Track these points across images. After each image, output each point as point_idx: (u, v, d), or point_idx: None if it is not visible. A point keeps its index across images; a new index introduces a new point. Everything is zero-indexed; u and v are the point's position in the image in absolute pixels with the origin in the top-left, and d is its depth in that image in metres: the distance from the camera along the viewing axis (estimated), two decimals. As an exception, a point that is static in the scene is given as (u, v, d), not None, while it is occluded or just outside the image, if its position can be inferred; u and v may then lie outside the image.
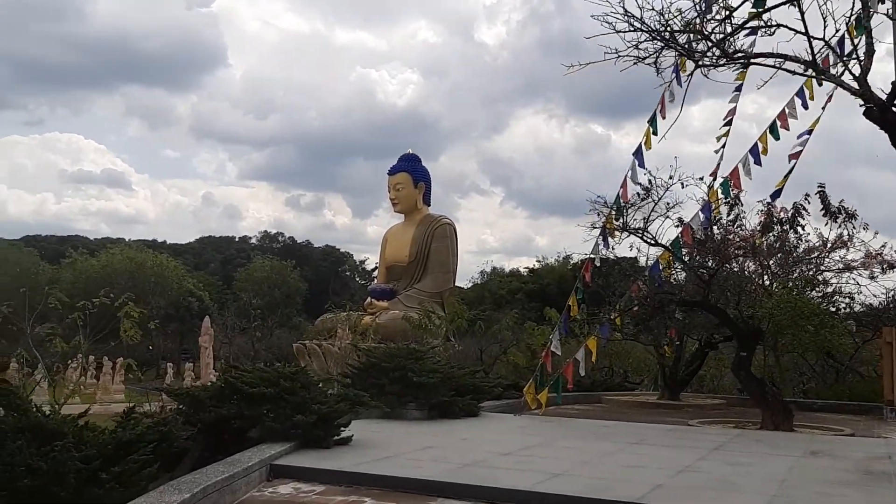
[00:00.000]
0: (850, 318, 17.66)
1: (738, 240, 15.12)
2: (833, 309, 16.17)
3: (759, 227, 15.77)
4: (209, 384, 10.27)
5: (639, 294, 14.20)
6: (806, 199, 17.02)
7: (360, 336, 20.14)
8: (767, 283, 15.80)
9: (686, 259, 14.58)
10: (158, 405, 9.99)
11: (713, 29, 8.14)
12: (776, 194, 15.65)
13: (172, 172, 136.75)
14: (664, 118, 13.90)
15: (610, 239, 13.63)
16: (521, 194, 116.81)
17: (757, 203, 15.88)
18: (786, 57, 7.72)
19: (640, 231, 13.04)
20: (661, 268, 14.08)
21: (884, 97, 7.52)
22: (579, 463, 8.10)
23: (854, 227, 16.48)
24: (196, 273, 58.81)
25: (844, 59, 8.35)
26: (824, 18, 7.53)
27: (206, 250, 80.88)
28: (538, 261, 62.91)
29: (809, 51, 7.57)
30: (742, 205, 15.71)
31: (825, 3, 7.60)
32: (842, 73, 8.18)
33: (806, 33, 7.48)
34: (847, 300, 17.15)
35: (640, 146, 14.15)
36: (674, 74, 13.35)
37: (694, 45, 8.37)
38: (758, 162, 14.37)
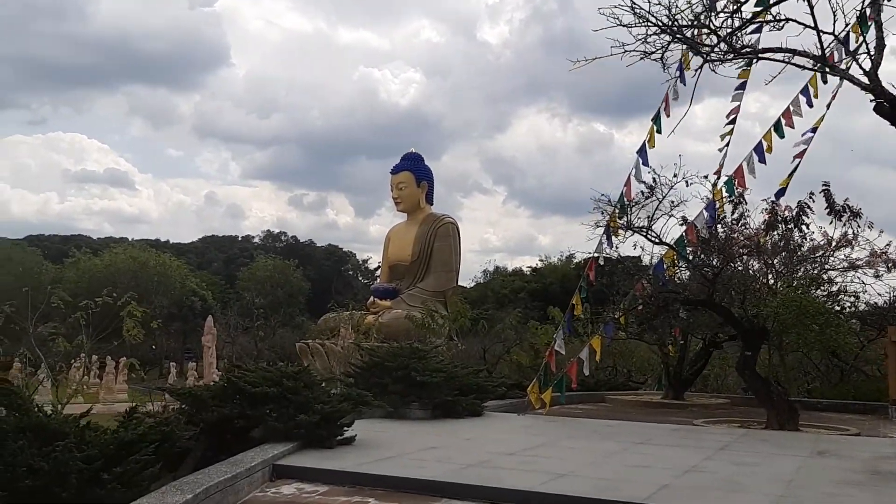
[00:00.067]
0: (854, 317, 17.59)
1: (742, 238, 15.06)
2: (838, 308, 16.11)
3: (763, 226, 15.70)
4: (212, 384, 10.23)
5: (643, 293, 14.14)
6: (810, 197, 16.94)
7: (363, 335, 20.11)
8: (772, 282, 15.72)
9: (690, 258, 14.51)
10: (161, 405, 9.96)
11: (722, 23, 8.07)
12: (780, 193, 15.56)
13: (175, 172, 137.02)
14: (668, 116, 13.83)
15: (614, 237, 13.59)
16: (524, 193, 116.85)
17: (761, 202, 15.82)
18: (794, 52, 7.65)
19: (645, 229, 12.99)
20: (665, 267, 14.02)
21: (894, 92, 7.43)
22: (584, 463, 8.05)
23: (859, 226, 16.40)
24: (199, 272, 58.90)
25: (853, 54, 8.27)
26: (834, 13, 7.46)
27: (209, 250, 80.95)
28: (541, 260, 62.90)
29: (819, 45, 7.49)
30: (746, 203, 15.66)
31: (834, -2, 7.54)
32: (848, 68, 8.10)
33: (815, 27, 7.41)
34: (852, 299, 17.09)
35: (643, 144, 14.09)
36: (678, 72, 13.33)
37: (702, 39, 8.30)
38: (762, 160, 14.29)
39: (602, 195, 13.26)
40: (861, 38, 9.48)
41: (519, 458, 8.25)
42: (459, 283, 27.43)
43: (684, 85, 13.64)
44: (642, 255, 16.03)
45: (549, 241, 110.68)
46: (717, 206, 14.17)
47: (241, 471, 6.50)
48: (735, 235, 15.13)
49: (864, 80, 7.52)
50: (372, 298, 24.18)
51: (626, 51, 8.12)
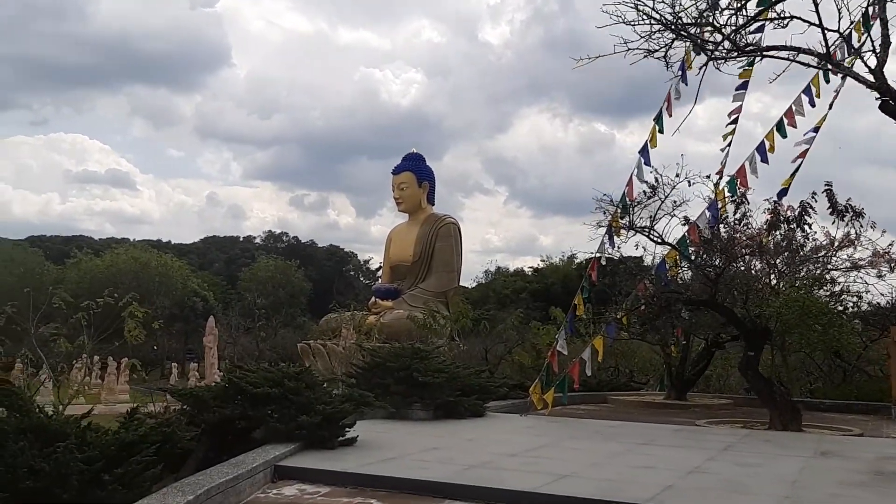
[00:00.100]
0: (856, 317, 17.55)
1: (744, 238, 15.02)
2: (841, 308, 16.07)
3: (765, 226, 15.66)
4: (213, 384, 10.21)
5: (645, 293, 14.11)
6: (813, 197, 16.90)
7: (365, 336, 20.08)
8: (774, 282, 15.69)
9: (693, 258, 14.48)
10: (162, 406, 9.94)
11: (727, 20, 8.03)
12: (783, 193, 15.54)
13: (177, 172, 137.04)
14: (671, 116, 13.80)
15: (616, 237, 13.56)
16: (525, 194, 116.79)
17: (763, 202, 15.79)
18: (799, 49, 7.61)
19: (647, 229, 12.96)
20: (667, 267, 13.99)
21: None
22: (587, 464, 8.02)
23: (861, 226, 16.36)
24: (200, 273, 58.92)
25: (858, 51, 8.23)
26: (839, 10, 7.41)
27: (211, 250, 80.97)
28: (542, 260, 62.88)
29: (823, 43, 7.46)
30: (748, 203, 15.63)
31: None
32: (852, 66, 8.06)
33: (820, 25, 7.37)
34: (855, 299, 17.05)
35: (645, 144, 14.05)
36: (680, 72, 13.30)
37: (706, 37, 8.27)
38: (765, 160, 14.26)
39: (604, 195, 13.23)
40: (864, 38, 9.46)
41: (521, 459, 8.22)
42: (461, 284, 27.38)
43: (686, 85, 13.67)
44: (644, 255, 16.03)
45: (551, 242, 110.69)
46: (720, 206, 14.15)
47: (242, 472, 6.48)
48: (737, 236, 15.09)
49: (870, 77, 7.47)
50: (373, 299, 24.14)
51: (629, 49, 8.10)
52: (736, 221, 15.56)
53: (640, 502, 6.04)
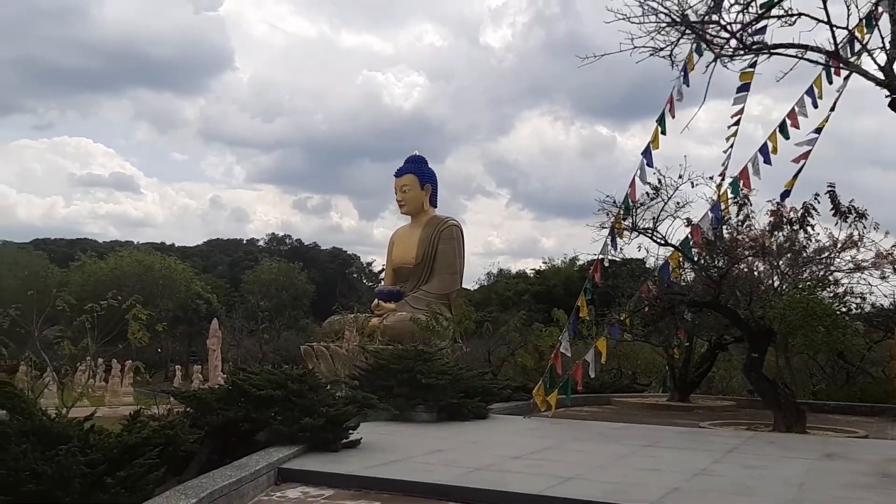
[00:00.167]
0: (860, 318, 17.49)
1: (747, 240, 14.98)
2: (844, 309, 16.01)
3: (768, 227, 15.62)
4: (217, 387, 10.20)
5: (648, 294, 14.08)
6: (816, 198, 16.85)
7: (368, 338, 20.08)
8: (777, 283, 15.64)
9: (696, 259, 14.45)
10: (166, 408, 9.94)
11: (735, 17, 7.99)
12: (785, 194, 15.51)
13: (181, 175, 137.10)
14: (674, 117, 13.80)
15: (619, 239, 13.53)
16: (527, 196, 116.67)
17: (766, 203, 15.74)
18: (806, 47, 7.56)
19: (650, 231, 12.93)
20: (670, 268, 13.96)
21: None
22: (592, 466, 7.99)
23: (864, 227, 16.30)
24: (204, 275, 58.86)
25: (865, 47, 8.18)
26: (848, 6, 7.36)
27: (214, 253, 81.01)
28: (545, 262, 62.79)
29: (832, 40, 7.40)
30: (751, 205, 15.59)
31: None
32: (860, 63, 8.01)
33: (828, 22, 7.31)
34: (858, 300, 16.99)
35: (648, 146, 14.03)
36: (682, 72, 13.28)
37: (712, 36, 8.23)
38: (767, 161, 14.24)
39: (607, 196, 13.20)
40: (868, 37, 9.43)
41: (525, 461, 8.20)
42: (463, 286, 27.40)
43: (688, 86, 13.66)
44: (647, 257, 15.99)
45: (553, 244, 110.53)
46: (723, 208, 14.12)
47: (246, 474, 6.46)
48: (740, 237, 15.05)
49: (879, 75, 7.41)
50: (376, 301, 24.17)
51: (635, 47, 8.07)
52: (739, 223, 15.54)
53: (645, 505, 6.02)
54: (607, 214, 13.31)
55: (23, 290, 14.28)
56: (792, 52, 7.89)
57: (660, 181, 12.89)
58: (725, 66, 8.40)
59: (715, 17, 8.01)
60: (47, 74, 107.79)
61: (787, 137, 14.28)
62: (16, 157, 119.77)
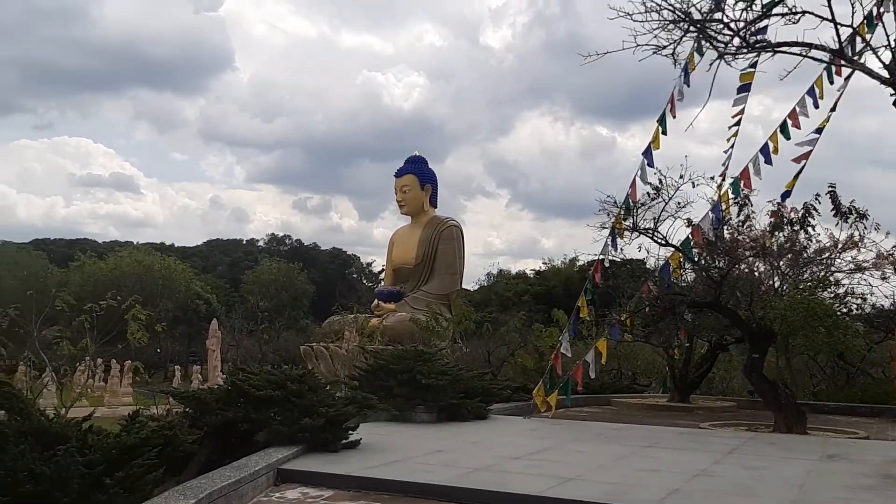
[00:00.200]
0: (860, 319, 17.46)
1: (748, 240, 14.96)
2: (845, 310, 16.00)
3: (769, 228, 15.60)
4: (216, 387, 10.18)
5: (649, 295, 14.06)
6: (816, 199, 16.83)
7: (368, 338, 20.05)
8: (778, 284, 15.62)
9: (697, 260, 14.42)
10: (165, 408, 9.91)
11: (740, 15, 7.96)
12: (786, 195, 15.49)
13: (180, 176, 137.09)
14: (675, 117, 13.78)
15: (619, 239, 13.51)
16: (527, 196, 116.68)
17: (767, 203, 15.72)
18: (811, 45, 7.53)
19: (651, 231, 12.90)
20: (671, 269, 13.93)
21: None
22: (592, 467, 7.96)
23: (865, 228, 16.28)
24: (204, 276, 58.83)
25: (867, 45, 8.15)
26: (853, 4, 7.32)
27: (214, 253, 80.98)
28: (544, 263, 62.80)
29: (836, 38, 7.37)
30: (752, 205, 15.57)
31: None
32: (864, 62, 7.96)
33: (833, 20, 7.27)
34: (859, 301, 16.97)
35: (649, 146, 14.01)
36: (683, 72, 13.26)
37: (715, 31, 8.20)
38: (768, 161, 14.22)
39: (608, 196, 13.18)
40: (868, 37, 9.39)
41: (526, 461, 8.17)
42: (463, 286, 27.38)
43: (688, 86, 13.64)
44: (647, 257, 15.96)
45: (553, 245, 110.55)
46: (724, 208, 14.10)
47: (245, 475, 6.44)
48: (741, 238, 15.03)
49: (884, 73, 7.37)
50: (376, 301, 24.15)
51: (638, 45, 8.05)
52: (740, 223, 15.52)
53: (646, 506, 6.00)
54: (608, 214, 13.30)
55: (22, 290, 14.28)
56: (796, 50, 7.86)
57: (661, 181, 12.88)
58: (729, 65, 8.39)
59: (718, 15, 7.99)
60: (47, 74, 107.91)
61: (787, 137, 14.26)
62: (16, 157, 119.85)
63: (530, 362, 19.53)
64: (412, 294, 23.79)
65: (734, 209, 15.19)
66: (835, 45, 7.56)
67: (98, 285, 35.91)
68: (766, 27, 9.19)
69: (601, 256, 13.76)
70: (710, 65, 8.73)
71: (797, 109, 14.17)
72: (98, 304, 9.83)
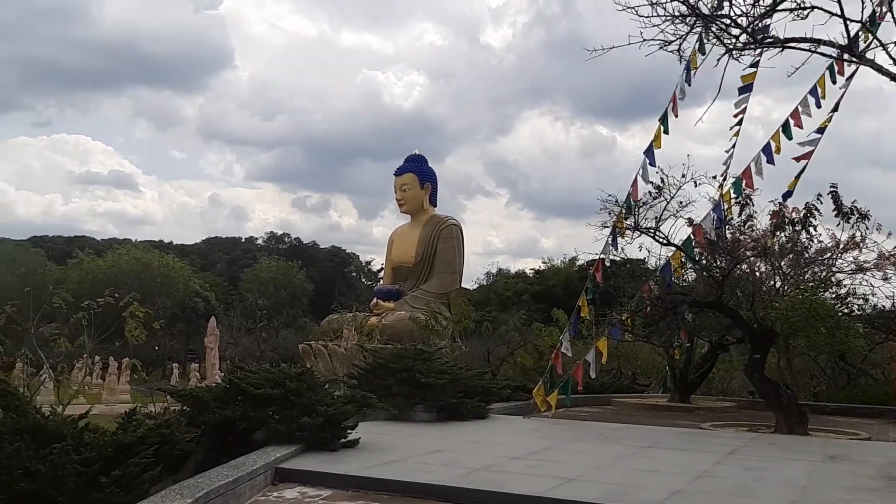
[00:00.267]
0: (861, 320, 17.41)
1: (749, 240, 14.90)
2: (847, 311, 15.93)
3: (770, 228, 15.54)
4: (214, 385, 10.12)
5: (650, 295, 14.00)
6: (818, 199, 16.78)
7: (367, 337, 19.99)
8: (779, 284, 15.57)
9: (698, 259, 14.37)
10: (162, 406, 9.85)
11: (750, 11, 7.88)
12: (788, 195, 15.45)
13: (180, 174, 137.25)
14: (676, 116, 13.74)
15: (620, 238, 13.45)
16: (527, 196, 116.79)
17: (768, 203, 15.67)
18: (819, 41, 7.46)
19: (652, 230, 12.85)
20: (672, 268, 13.88)
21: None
22: (592, 467, 7.90)
23: (867, 228, 16.23)
24: (202, 274, 58.87)
25: (872, 40, 8.08)
26: (862, 0, 7.25)
27: (213, 251, 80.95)
28: (544, 262, 62.81)
29: (845, 34, 7.30)
30: (753, 205, 15.52)
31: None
32: (874, 57, 7.88)
33: (842, 15, 7.20)
34: (860, 301, 16.91)
35: (650, 145, 13.96)
36: (685, 71, 13.21)
37: (723, 26, 8.13)
38: (770, 161, 14.18)
39: (609, 195, 13.12)
40: (870, 38, 9.33)
41: (525, 462, 8.11)
42: (462, 286, 27.31)
43: (690, 85, 13.59)
44: (648, 257, 15.90)
45: (552, 244, 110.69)
46: (725, 208, 14.05)
47: (242, 474, 6.38)
48: (742, 238, 14.98)
49: (893, 69, 7.29)
50: (375, 300, 24.07)
51: (644, 39, 7.98)
52: (741, 223, 15.47)
53: (648, 507, 5.94)
54: (609, 213, 13.24)
55: (20, 287, 14.24)
56: (804, 46, 7.78)
57: (662, 180, 12.82)
58: (737, 60, 8.32)
59: (725, 10, 7.91)
60: (47, 72, 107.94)
61: (789, 137, 14.22)
62: (15, 154, 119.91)
63: (530, 362, 19.47)
64: (411, 293, 23.71)
65: (736, 209, 15.15)
66: (842, 42, 7.50)
67: (96, 283, 35.90)
68: (769, 25, 9.15)
69: (602, 256, 13.70)
70: (717, 60, 8.67)
71: (799, 109, 14.13)
72: (96, 301, 9.78)
